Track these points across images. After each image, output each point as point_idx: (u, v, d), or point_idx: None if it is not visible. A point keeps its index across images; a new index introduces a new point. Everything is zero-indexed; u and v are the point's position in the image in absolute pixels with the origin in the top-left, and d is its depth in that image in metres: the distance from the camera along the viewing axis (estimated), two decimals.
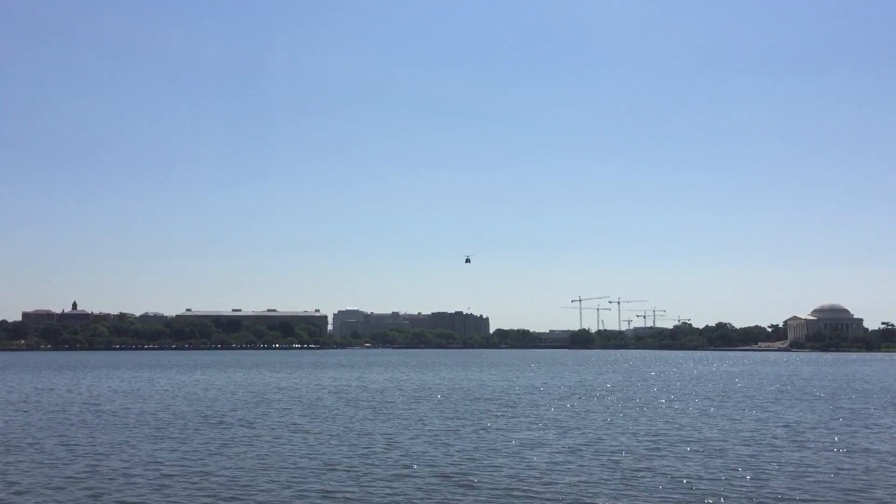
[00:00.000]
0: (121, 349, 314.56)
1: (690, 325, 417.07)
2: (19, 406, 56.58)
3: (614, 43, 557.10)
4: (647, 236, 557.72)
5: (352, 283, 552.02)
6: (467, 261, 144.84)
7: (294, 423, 43.75)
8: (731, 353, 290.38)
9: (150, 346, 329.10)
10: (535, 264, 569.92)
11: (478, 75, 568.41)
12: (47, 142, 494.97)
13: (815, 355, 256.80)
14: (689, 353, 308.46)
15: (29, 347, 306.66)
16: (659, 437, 37.42)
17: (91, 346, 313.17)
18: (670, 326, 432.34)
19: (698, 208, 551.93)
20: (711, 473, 27.53)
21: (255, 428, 41.75)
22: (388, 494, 24.21)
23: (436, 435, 38.37)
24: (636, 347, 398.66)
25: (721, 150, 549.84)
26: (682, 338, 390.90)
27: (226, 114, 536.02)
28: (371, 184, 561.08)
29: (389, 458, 31.24)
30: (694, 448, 33.83)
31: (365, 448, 33.93)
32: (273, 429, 41.26)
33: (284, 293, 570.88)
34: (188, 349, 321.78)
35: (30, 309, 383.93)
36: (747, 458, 30.86)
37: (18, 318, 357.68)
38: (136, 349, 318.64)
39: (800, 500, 23.33)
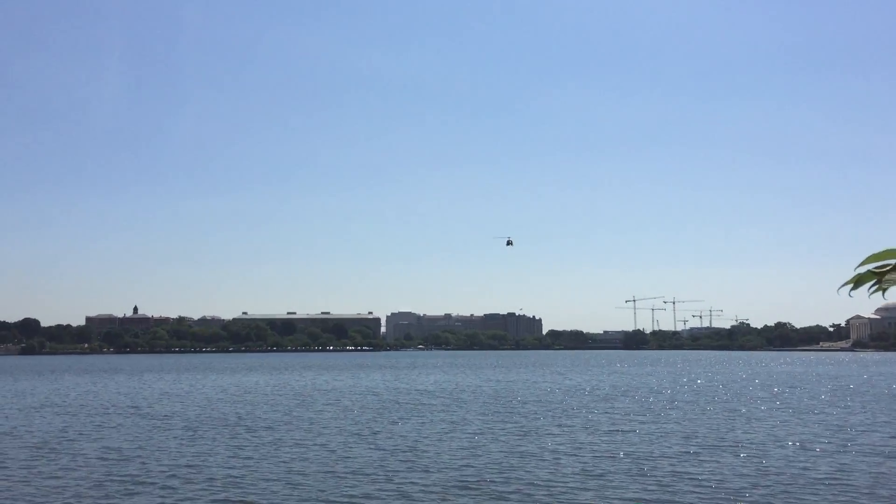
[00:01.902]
0: (179, 352, 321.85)
1: (748, 325, 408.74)
2: (64, 408, 58.69)
3: (672, 31, 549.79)
4: (703, 234, 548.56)
5: (405, 285, 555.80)
6: (508, 243, 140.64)
7: (325, 426, 44.58)
8: (790, 354, 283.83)
9: (208, 349, 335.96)
10: (588, 264, 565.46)
11: (523, 67, 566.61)
12: (108, 152, 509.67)
13: (878, 355, 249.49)
14: (747, 353, 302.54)
15: (92, 351, 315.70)
16: (697, 441, 37.17)
17: (151, 350, 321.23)
18: (727, 326, 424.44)
19: (756, 205, 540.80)
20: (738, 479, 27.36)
21: (280, 431, 42.68)
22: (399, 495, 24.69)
23: (462, 437, 38.75)
24: (692, 348, 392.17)
25: (782, 145, 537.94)
26: (739, 338, 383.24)
27: (277, 121, 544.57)
28: (423, 185, 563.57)
29: (410, 460, 31.73)
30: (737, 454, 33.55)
31: (384, 451, 34.50)
32: (305, 431, 42.13)
33: (338, 296, 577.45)
34: (244, 352, 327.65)
35: (93, 313, 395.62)
36: (778, 461, 30.54)
37: (82, 322, 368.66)
38: (194, 352, 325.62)
39: None
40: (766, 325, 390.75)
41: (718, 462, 30.40)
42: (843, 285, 2.38)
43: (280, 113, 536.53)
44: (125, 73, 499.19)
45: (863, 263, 2.38)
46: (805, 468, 28.76)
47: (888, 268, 2.38)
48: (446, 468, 29.24)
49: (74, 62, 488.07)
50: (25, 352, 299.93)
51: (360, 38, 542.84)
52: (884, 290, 2.39)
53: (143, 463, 31.24)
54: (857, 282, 2.40)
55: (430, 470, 28.89)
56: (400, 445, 35.42)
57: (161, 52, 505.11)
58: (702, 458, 31.48)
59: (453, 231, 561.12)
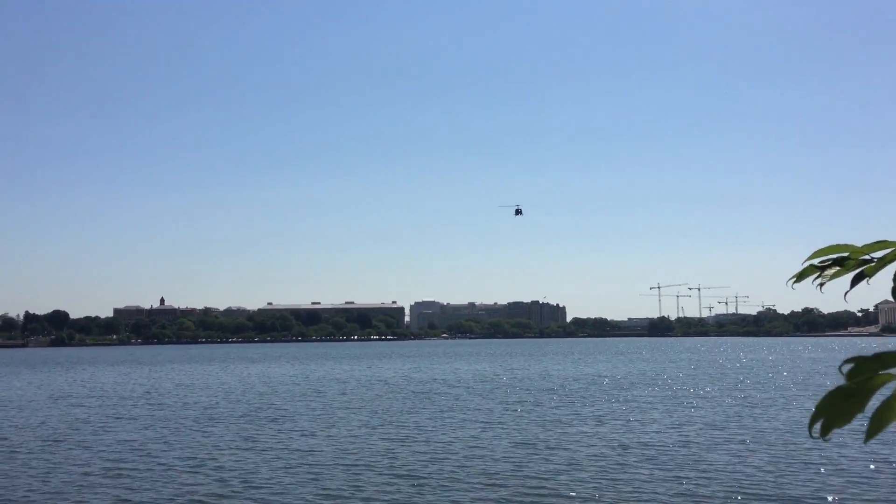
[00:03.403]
0: (206, 342, 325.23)
1: (775, 310, 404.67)
2: (81, 399, 59.46)
3: (696, 15, 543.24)
4: (728, 219, 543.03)
5: (428, 274, 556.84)
6: (517, 212, 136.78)
7: (339, 416, 44.75)
8: (818, 340, 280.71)
9: (234, 340, 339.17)
10: (612, 251, 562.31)
11: (544, 52, 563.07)
12: (133, 146, 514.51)
13: None
14: (774, 339, 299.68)
15: (120, 342, 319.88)
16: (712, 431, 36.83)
17: (178, 340, 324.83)
18: (754, 313, 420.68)
19: (783, 189, 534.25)
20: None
21: (294, 421, 42.90)
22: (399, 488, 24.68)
23: (475, 425, 38.70)
24: (718, 335, 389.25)
25: (810, 128, 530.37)
26: (766, 324, 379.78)
27: (301, 110, 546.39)
28: (447, 174, 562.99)
29: (422, 451, 31.75)
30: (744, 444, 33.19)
31: (394, 440, 34.53)
32: (318, 421, 42.31)
33: (362, 285, 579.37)
34: (270, 342, 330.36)
35: (121, 305, 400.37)
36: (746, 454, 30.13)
37: (110, 314, 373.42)
38: (221, 343, 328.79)
39: None
40: (792, 311, 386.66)
41: (737, 454, 30.08)
42: (790, 279, 2.50)
43: (300, 102, 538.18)
44: (148, 67, 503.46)
45: (809, 258, 2.44)
46: (832, 460, 28.36)
47: (828, 263, 2.44)
48: (458, 459, 29.19)
49: (104, 58, 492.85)
50: (55, 343, 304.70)
51: (378, 25, 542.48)
52: (821, 285, 2.44)
53: (150, 454, 31.53)
54: (801, 275, 2.47)
55: (442, 461, 28.87)
56: (413, 436, 35.45)
57: (179, 46, 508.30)
58: (722, 448, 31.17)
59: (477, 219, 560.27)
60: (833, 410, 1.85)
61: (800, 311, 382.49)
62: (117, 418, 45.02)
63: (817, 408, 1.86)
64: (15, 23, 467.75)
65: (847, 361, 1.84)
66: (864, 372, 1.85)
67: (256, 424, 40.73)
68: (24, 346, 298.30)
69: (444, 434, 35.67)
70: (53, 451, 33.03)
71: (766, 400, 50.55)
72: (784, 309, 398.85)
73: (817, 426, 1.84)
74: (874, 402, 1.81)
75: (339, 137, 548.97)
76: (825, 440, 1.93)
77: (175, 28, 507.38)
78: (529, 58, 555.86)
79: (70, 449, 33.43)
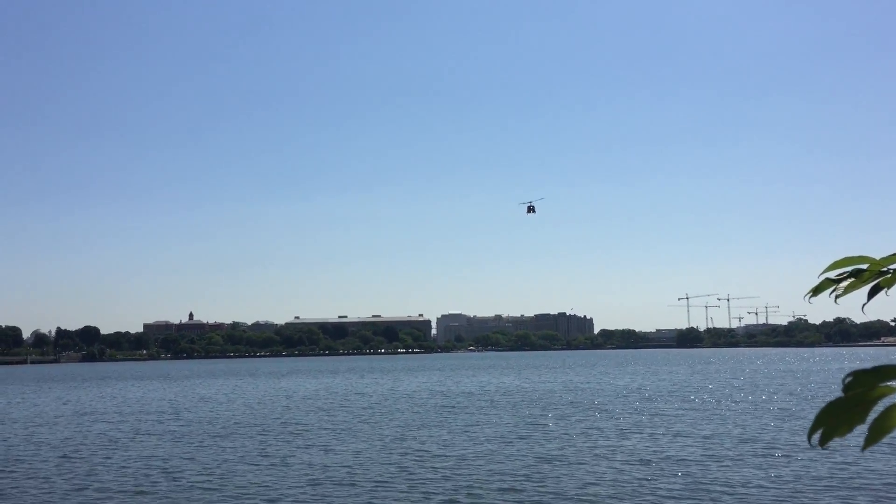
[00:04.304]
0: (234, 357, 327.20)
1: (806, 320, 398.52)
2: (105, 415, 59.85)
3: (719, 24, 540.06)
4: (757, 229, 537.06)
5: (454, 286, 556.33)
6: (530, 210, 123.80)
7: (359, 430, 44.54)
8: (850, 350, 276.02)
9: (262, 354, 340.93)
10: (639, 262, 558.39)
11: (569, 61, 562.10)
12: (161, 164, 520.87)
13: None
14: (805, 350, 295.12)
15: (150, 357, 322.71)
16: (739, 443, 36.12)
17: (207, 355, 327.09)
18: (784, 323, 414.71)
19: (813, 198, 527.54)
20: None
21: (313, 436, 42.75)
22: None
23: (497, 440, 38.30)
24: (748, 345, 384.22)
25: (838, 138, 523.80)
26: (797, 334, 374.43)
27: (326, 125, 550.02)
28: (472, 187, 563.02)
29: (438, 466, 31.43)
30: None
31: (406, 456, 34.24)
32: (338, 435, 42.14)
33: (389, 299, 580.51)
34: (297, 356, 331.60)
35: (150, 320, 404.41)
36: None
37: (140, 329, 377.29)
38: (249, 357, 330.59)
39: None
40: (824, 321, 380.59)
41: (759, 468, 29.44)
42: (807, 294, 2.50)
43: (325, 117, 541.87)
44: (175, 86, 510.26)
45: (824, 271, 2.44)
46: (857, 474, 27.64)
47: (844, 276, 2.44)
48: (479, 474, 28.85)
49: (134, 74, 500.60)
50: (86, 359, 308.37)
51: (399, 39, 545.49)
52: (837, 297, 2.45)
53: (168, 470, 31.53)
54: (817, 289, 2.48)
55: (462, 476, 28.55)
56: (434, 451, 35.13)
57: (208, 64, 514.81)
58: (751, 463, 30.54)
59: (503, 231, 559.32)
60: (831, 421, 1.91)
61: (831, 320, 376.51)
62: (140, 434, 45.19)
63: (817, 418, 1.92)
64: (47, 45, 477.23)
65: (848, 374, 1.91)
66: (862, 384, 1.93)
67: (278, 440, 40.65)
68: (56, 361, 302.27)
69: (465, 449, 35.32)
70: (75, 467, 33.15)
71: (796, 412, 49.59)
72: (815, 319, 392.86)
73: (816, 435, 1.90)
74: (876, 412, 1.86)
75: (366, 151, 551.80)
76: (824, 448, 2.03)
77: (204, 45, 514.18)
78: (554, 68, 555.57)
79: (91, 466, 33.52)
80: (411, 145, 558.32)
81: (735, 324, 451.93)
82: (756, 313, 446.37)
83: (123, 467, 32.66)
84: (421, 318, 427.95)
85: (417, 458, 32.82)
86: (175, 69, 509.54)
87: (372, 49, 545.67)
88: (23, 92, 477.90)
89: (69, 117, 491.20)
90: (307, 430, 44.64)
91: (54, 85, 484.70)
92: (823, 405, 1.91)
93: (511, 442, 37.49)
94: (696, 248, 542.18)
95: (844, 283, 2.44)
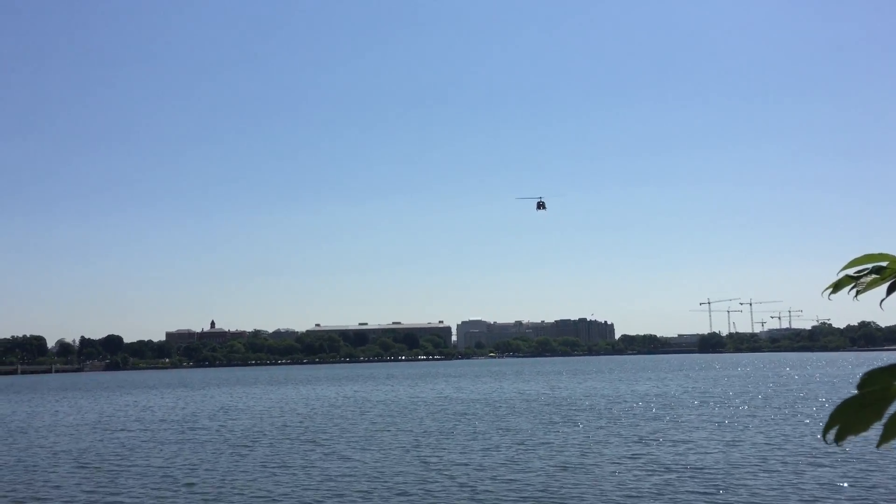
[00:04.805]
0: (256, 364, 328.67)
1: (830, 324, 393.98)
2: (123, 424, 60.12)
3: (739, 30, 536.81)
4: (779, 232, 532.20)
5: (475, 293, 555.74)
6: (540, 206, 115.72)
7: (377, 437, 44.39)
8: (876, 354, 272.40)
9: (283, 361, 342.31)
10: (660, 267, 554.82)
11: (587, 68, 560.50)
12: (182, 173, 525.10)
13: None
14: (830, 354, 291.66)
15: (173, 365, 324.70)
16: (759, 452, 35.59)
17: (228, 363, 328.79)
18: (808, 327, 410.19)
19: (835, 200, 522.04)
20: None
21: (328, 444, 42.65)
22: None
23: (515, 447, 38.00)
24: (771, 350, 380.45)
25: (858, 141, 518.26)
26: (821, 339, 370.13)
27: (346, 133, 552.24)
28: (490, 192, 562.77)
29: (453, 475, 31.20)
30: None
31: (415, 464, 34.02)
32: (351, 443, 42.02)
33: (409, 306, 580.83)
34: (318, 363, 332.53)
35: (172, 329, 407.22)
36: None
37: (163, 337, 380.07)
38: (270, 364, 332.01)
39: None
40: (848, 325, 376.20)
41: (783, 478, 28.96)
42: (826, 289, 2.53)
43: (345, 126, 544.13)
44: (194, 94, 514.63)
45: (844, 268, 2.46)
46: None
47: (864, 272, 2.46)
48: (496, 482, 28.60)
49: (155, 83, 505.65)
50: (110, 368, 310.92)
51: (404, 48, 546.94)
52: (857, 293, 2.48)
53: (179, 479, 31.53)
54: (836, 286, 2.51)
55: (478, 484, 28.31)
56: (451, 458, 34.90)
57: (221, 74, 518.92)
58: (773, 470, 30.06)
59: (523, 237, 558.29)
60: (847, 418, 1.92)
61: (856, 324, 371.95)
62: (158, 443, 45.33)
63: (832, 416, 1.93)
64: (66, 54, 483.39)
65: (865, 373, 1.93)
66: (878, 382, 1.93)
67: (296, 448, 40.59)
68: (80, 370, 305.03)
69: (484, 457, 35.05)
70: (93, 477, 33.24)
71: (820, 418, 48.85)
72: (840, 323, 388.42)
73: (831, 433, 1.91)
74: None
75: (385, 158, 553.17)
76: (839, 446, 2.02)
77: (223, 54, 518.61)
78: (573, 70, 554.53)
79: (109, 476, 33.60)
80: (431, 151, 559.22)
81: (758, 328, 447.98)
82: (779, 318, 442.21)
83: (141, 476, 32.72)
84: (441, 325, 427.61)
85: (436, 467, 32.59)
86: (195, 77, 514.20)
87: (388, 56, 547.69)
88: (42, 100, 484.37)
89: (89, 126, 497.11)
90: (326, 439, 44.55)
91: (74, 93, 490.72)
92: (838, 403, 1.91)
93: (530, 449, 37.18)
94: (718, 252, 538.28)
95: (866, 280, 2.47)
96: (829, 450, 33.87)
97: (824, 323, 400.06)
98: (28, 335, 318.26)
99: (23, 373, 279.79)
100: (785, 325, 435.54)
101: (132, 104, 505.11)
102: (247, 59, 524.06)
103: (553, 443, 39.44)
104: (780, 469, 29.96)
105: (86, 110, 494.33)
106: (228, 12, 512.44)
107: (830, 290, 2.52)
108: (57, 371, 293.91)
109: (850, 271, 2.48)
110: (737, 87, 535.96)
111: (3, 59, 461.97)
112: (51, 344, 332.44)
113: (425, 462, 33.98)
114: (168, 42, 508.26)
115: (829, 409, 53.02)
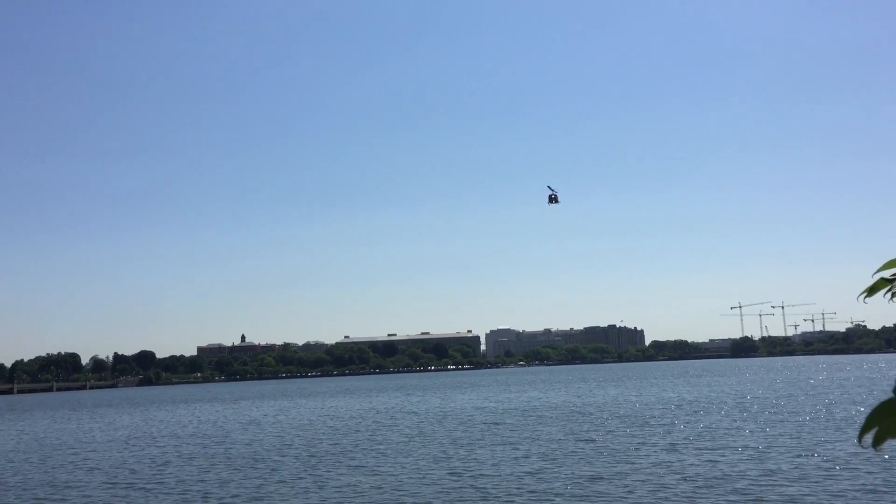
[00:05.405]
0: (286, 377, 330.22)
1: (865, 326, 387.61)
2: (154, 440, 60.53)
3: (773, 35, 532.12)
4: (810, 234, 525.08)
5: (503, 301, 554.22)
6: (552, 200, 79.45)
7: (403, 449, 44.26)
8: None
9: (313, 374, 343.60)
10: (690, 271, 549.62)
11: (618, 71, 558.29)
12: (212, 189, 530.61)
13: None
14: (865, 356, 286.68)
15: (204, 380, 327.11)
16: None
17: (259, 376, 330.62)
18: (842, 329, 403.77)
19: (866, 201, 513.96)
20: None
21: (362, 456, 42.57)
22: None
23: (542, 458, 37.69)
24: (805, 354, 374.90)
25: (887, 140, 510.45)
26: (856, 341, 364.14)
27: (373, 146, 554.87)
28: (516, 201, 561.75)
29: (482, 486, 30.98)
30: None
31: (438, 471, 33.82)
32: (378, 456, 41.92)
33: (437, 316, 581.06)
34: (348, 375, 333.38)
35: (204, 343, 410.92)
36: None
37: (194, 352, 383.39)
38: (300, 377, 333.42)
39: None
40: (884, 326, 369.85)
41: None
42: (861, 293, 2.48)
43: (373, 137, 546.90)
44: (223, 109, 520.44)
45: (879, 270, 2.41)
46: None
47: None
48: (522, 493, 28.38)
49: (188, 103, 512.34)
50: (143, 383, 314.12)
51: (430, 59, 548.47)
52: (893, 296, 2.43)
53: (213, 494, 31.64)
54: (872, 289, 2.44)
55: (505, 496, 28.10)
56: (479, 469, 34.70)
57: (254, 92, 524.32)
58: (807, 478, 29.51)
59: (550, 244, 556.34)
60: (884, 421, 1.86)
61: (892, 325, 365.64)
62: (187, 458, 45.58)
63: (868, 419, 1.89)
64: (94, 73, 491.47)
65: None
66: None
67: (324, 461, 40.60)
68: (114, 386, 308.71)
69: (513, 467, 34.79)
70: (123, 493, 33.50)
71: (857, 422, 47.94)
72: (874, 324, 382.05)
73: (868, 437, 1.86)
74: None
75: (412, 169, 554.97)
76: (876, 451, 1.96)
77: (253, 68, 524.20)
78: (603, 76, 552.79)
79: (140, 491, 33.84)
80: (458, 160, 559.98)
81: (791, 332, 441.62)
82: (812, 320, 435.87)
83: (171, 493, 32.88)
84: (470, 334, 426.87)
85: (466, 478, 32.40)
86: (224, 93, 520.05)
87: (413, 65, 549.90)
88: (73, 120, 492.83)
89: (118, 143, 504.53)
90: (354, 451, 44.53)
91: (104, 111, 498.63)
92: (874, 406, 1.85)
93: (558, 459, 36.87)
94: (749, 255, 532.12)
95: None
96: (867, 454, 33.19)
97: (859, 325, 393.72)
98: (63, 352, 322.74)
99: (58, 390, 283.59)
100: (818, 327, 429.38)
101: (161, 121, 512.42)
102: (272, 74, 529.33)
103: (583, 452, 39.08)
104: (816, 475, 29.40)
105: (115, 127, 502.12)
106: (248, 27, 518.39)
107: (865, 294, 2.50)
108: (91, 387, 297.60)
109: (886, 274, 2.47)
110: (768, 90, 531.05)
111: (34, 80, 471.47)
112: (85, 361, 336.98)
113: (455, 473, 33.81)
114: (194, 59, 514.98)
115: (865, 412, 52.02)
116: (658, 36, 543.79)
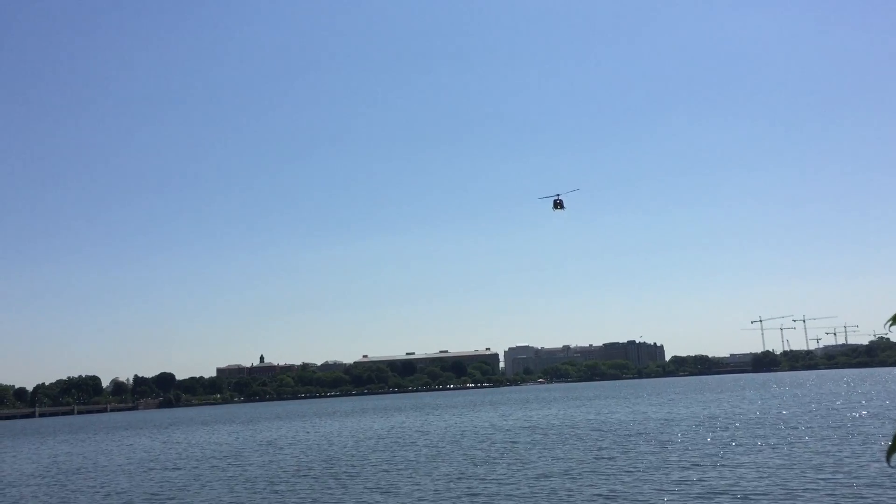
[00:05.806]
0: (305, 398, 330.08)
1: (888, 339, 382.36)
2: (172, 462, 60.59)
3: (782, 52, 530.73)
4: (830, 248, 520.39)
5: (521, 319, 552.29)
6: (557, 205, 67.20)
7: (419, 469, 44.04)
8: None
9: (332, 394, 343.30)
10: (709, 285, 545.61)
11: (632, 88, 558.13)
12: (229, 211, 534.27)
13: None
14: (890, 370, 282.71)
15: (224, 401, 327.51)
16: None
17: (279, 397, 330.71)
18: (865, 343, 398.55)
19: (889, 213, 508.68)
20: None
21: (377, 477, 42.40)
22: None
23: (560, 476, 37.38)
24: (828, 367, 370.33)
25: None
26: (879, 354, 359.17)
27: (389, 166, 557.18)
28: (533, 220, 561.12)
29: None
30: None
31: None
32: (395, 475, 41.73)
33: (456, 334, 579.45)
34: (366, 394, 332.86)
35: (223, 364, 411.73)
36: None
37: (213, 373, 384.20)
38: (319, 397, 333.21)
39: None
40: None
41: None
42: (888, 321, 2.34)
43: (388, 157, 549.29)
44: (239, 130, 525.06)
45: None
46: None
47: None
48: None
49: (206, 126, 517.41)
50: (163, 405, 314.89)
51: (445, 79, 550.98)
52: None
53: None
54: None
55: None
56: (496, 490, 34.48)
57: (272, 113, 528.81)
58: (827, 496, 29.08)
59: (568, 261, 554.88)
60: None
61: None
62: (205, 481, 45.61)
63: None
64: (122, 101, 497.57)
65: None
66: None
67: (341, 482, 40.49)
68: (134, 408, 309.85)
69: (530, 486, 34.56)
70: None
71: (885, 439, 47.23)
72: None
73: None
74: None
75: (429, 191, 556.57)
76: None
77: (273, 90, 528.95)
78: (621, 92, 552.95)
79: None
80: (476, 180, 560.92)
81: (813, 345, 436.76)
82: (834, 334, 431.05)
83: None
84: (488, 352, 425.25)
85: (482, 497, 32.18)
86: (242, 116, 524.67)
87: (427, 87, 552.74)
88: (91, 145, 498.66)
89: (135, 167, 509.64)
90: (373, 470, 44.38)
91: (120, 137, 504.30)
92: None
93: (577, 477, 36.56)
94: (769, 268, 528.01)
95: None
96: (893, 473, 32.71)
97: (882, 338, 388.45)
98: (83, 375, 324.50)
99: (79, 412, 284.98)
100: (840, 341, 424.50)
101: (178, 145, 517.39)
102: (293, 100, 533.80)
103: (602, 470, 38.74)
104: (839, 494, 28.96)
105: (132, 152, 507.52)
106: (266, 58, 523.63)
107: (891, 322, 2.39)
108: (112, 410, 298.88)
109: None
110: (785, 106, 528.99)
111: (65, 109, 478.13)
112: (105, 383, 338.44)
113: (473, 493, 33.59)
114: (219, 86, 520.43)
115: (892, 429, 51.26)
116: (683, 51, 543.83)
